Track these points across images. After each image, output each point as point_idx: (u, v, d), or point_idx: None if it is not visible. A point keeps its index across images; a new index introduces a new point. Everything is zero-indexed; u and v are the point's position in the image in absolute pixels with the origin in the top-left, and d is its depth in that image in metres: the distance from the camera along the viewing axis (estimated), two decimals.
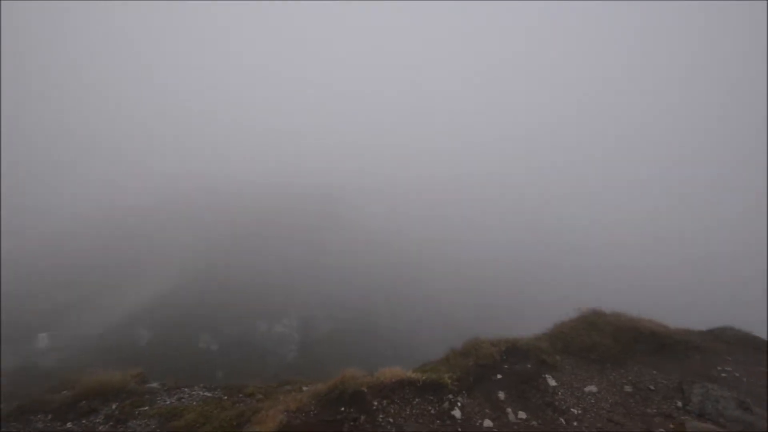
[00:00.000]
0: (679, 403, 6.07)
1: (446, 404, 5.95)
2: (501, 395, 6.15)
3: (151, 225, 55.61)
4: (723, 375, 6.88)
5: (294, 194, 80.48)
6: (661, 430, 5.58)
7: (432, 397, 6.07)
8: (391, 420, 5.62)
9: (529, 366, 6.80)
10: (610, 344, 7.26)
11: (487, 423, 5.65)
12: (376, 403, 5.86)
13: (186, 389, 8.66)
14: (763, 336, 8.24)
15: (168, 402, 8.02)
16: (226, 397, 7.87)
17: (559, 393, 6.29)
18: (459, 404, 5.95)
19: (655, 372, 6.83)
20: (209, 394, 8.16)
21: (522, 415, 5.80)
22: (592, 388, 6.37)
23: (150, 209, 63.86)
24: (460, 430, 5.53)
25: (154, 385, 9.39)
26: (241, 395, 7.88)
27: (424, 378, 6.29)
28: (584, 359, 7.08)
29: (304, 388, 7.38)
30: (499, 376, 6.52)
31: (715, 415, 5.68)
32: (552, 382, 6.50)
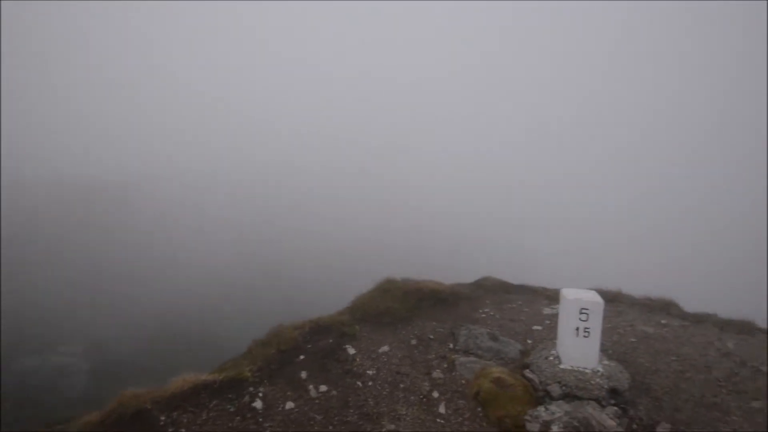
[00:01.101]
0: (451, 345, 7.21)
1: (247, 398, 5.72)
2: (303, 374, 6.24)
3: None
4: (483, 315, 8.47)
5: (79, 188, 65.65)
6: (438, 370, 6.54)
7: (231, 395, 5.76)
8: (184, 431, 5.11)
9: (330, 341, 7.08)
10: (400, 306, 8.13)
11: (289, 405, 5.66)
12: (164, 418, 5.23)
13: None
14: (514, 282, 10.45)
15: None
16: None
17: (357, 359, 6.73)
18: (260, 394, 5.80)
19: (434, 323, 7.95)
20: None
21: (323, 388, 6.01)
22: (385, 348, 7.02)
23: None
24: (261, 419, 5.39)
25: None
26: None
27: (222, 377, 5.91)
28: (379, 324, 7.76)
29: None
30: (302, 357, 6.61)
31: (475, 349, 6.93)
32: (351, 351, 6.92)
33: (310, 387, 6.01)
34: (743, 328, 8.15)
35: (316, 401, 5.77)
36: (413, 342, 7.33)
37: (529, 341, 7.45)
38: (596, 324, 5.78)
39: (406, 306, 8.23)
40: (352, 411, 5.63)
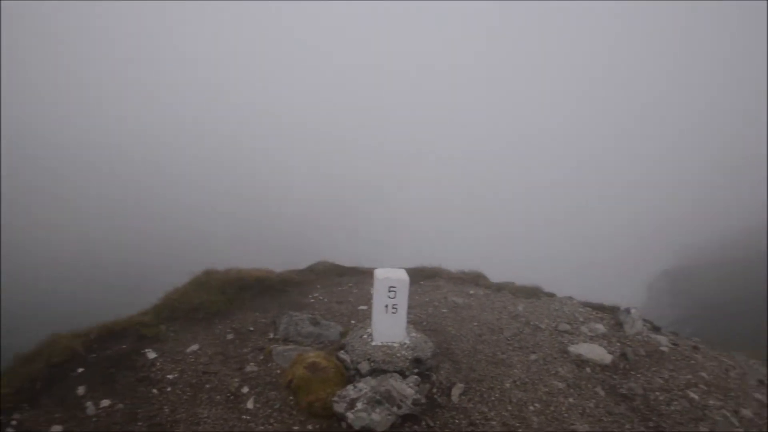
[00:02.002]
0: (272, 335, 6.89)
1: None
2: (81, 390, 5.23)
3: None
4: (311, 300, 8.35)
5: None
6: (253, 363, 6.16)
7: None
8: None
9: (124, 346, 6.12)
10: (218, 299, 7.49)
11: (56, 428, 4.67)
12: None
13: None
14: (346, 264, 10.56)
15: None
16: None
17: (158, 363, 5.95)
18: (14, 422, 4.66)
19: (257, 314, 7.52)
20: None
21: (105, 402, 5.12)
22: (194, 347, 6.36)
23: None
24: None
25: None
26: None
27: None
28: (191, 320, 7.02)
29: None
30: (80, 370, 5.54)
31: (295, 336, 6.74)
32: (152, 355, 6.08)
33: (88, 404, 5.05)
34: (531, 293, 9.60)
35: (94, 419, 4.87)
36: (229, 336, 6.79)
37: (353, 321, 7.56)
38: (403, 300, 6.06)
39: (225, 298, 7.61)
40: (141, 424, 4.90)
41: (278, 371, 6.01)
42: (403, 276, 6.10)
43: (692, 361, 7.27)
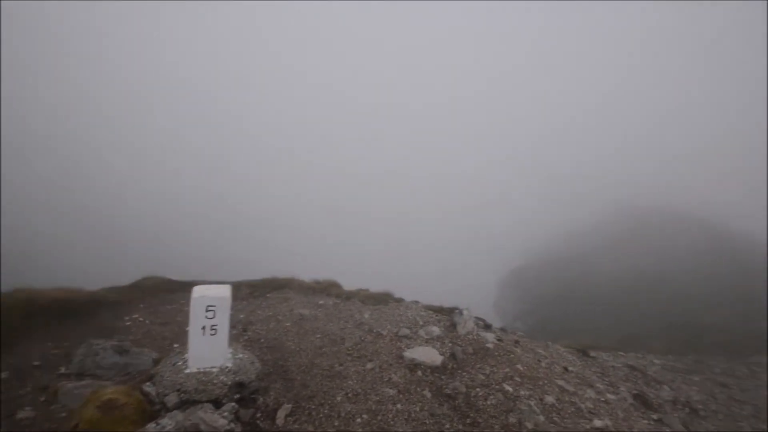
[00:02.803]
0: (63, 369, 5.76)
1: None
2: None
3: None
4: (128, 323, 7.26)
5: None
6: (29, 407, 5.03)
7: None
8: None
9: None
10: None
11: None
12: None
13: None
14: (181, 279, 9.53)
15: None
16: None
17: None
18: None
19: (49, 344, 6.24)
20: None
21: None
22: None
23: None
24: None
25: None
26: None
27: None
28: None
29: None
30: None
31: (93, 368, 5.71)
32: None
33: None
34: (381, 300, 9.76)
35: None
36: (4, 376, 5.48)
37: (175, 346, 6.74)
38: (224, 320, 5.52)
39: (6, 326, 6.17)
40: None
41: (64, 414, 4.99)
42: (224, 293, 5.56)
43: (512, 355, 8.00)
